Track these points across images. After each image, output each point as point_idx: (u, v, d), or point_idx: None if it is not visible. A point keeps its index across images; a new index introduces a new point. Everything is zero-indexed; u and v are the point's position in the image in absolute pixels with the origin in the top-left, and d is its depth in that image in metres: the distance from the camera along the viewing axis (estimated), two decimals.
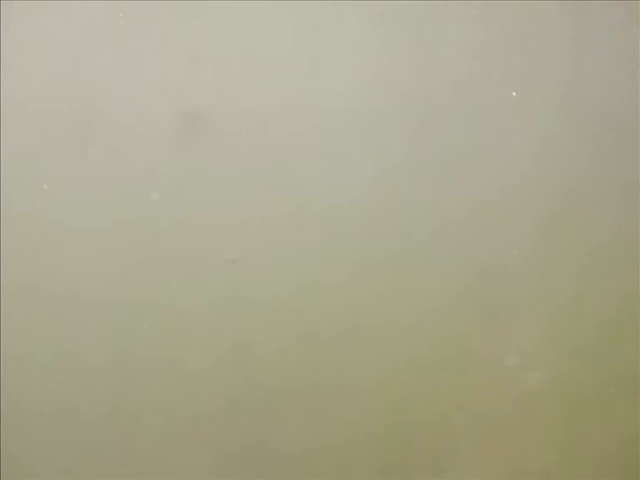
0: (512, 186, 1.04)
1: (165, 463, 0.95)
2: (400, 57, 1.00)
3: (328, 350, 0.99)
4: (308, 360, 0.98)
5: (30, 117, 0.91)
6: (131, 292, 0.93)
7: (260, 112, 0.97)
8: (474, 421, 1.03)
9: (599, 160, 1.06)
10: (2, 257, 0.90)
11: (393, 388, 1.01)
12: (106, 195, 0.93)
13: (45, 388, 0.92)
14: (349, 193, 0.99)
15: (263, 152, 0.98)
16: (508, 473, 1.05)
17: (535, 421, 1.05)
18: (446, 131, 1.01)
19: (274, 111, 0.98)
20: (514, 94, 1.03)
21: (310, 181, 0.98)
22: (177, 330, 0.95)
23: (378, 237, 1.00)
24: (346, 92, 0.99)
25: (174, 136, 0.94)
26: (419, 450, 1.02)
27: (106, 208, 0.93)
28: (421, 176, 1.01)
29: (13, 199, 0.90)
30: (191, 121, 0.95)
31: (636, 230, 1.07)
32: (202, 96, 0.95)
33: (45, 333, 0.92)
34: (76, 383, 0.93)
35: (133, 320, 0.94)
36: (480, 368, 1.03)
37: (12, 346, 0.91)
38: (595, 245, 1.06)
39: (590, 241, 1.06)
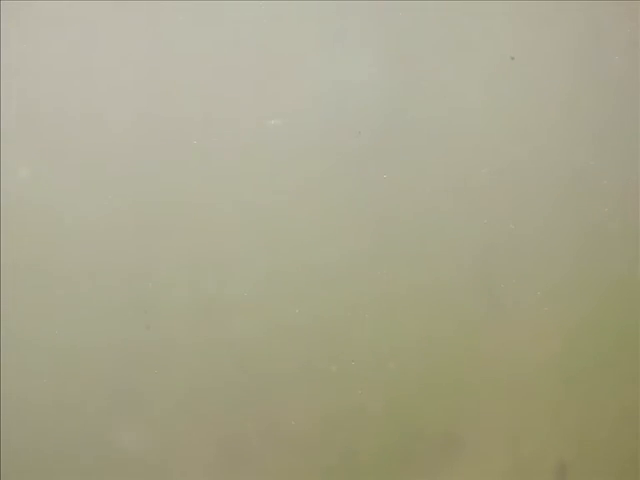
0: (513, 170, 1.04)
1: (170, 456, 0.96)
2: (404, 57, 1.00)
3: (331, 334, 0.99)
4: (313, 342, 0.98)
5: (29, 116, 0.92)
6: (133, 280, 0.94)
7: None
8: (478, 404, 1.03)
9: (599, 148, 1.06)
10: (2, 249, 0.91)
11: (396, 370, 1.01)
12: (108, 193, 0.94)
13: (47, 382, 0.93)
14: (350, 175, 0.99)
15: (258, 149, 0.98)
16: (515, 452, 1.04)
17: (540, 401, 1.04)
18: (449, 118, 1.01)
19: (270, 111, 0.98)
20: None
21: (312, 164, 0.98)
22: (180, 320, 0.95)
23: (375, 220, 1.00)
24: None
25: (170, 136, 0.95)
26: (424, 435, 1.02)
27: (107, 207, 0.94)
28: (421, 159, 1.01)
29: (12, 197, 0.91)
30: (186, 123, 0.96)
31: (636, 212, 1.06)
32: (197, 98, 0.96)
33: (47, 327, 0.93)
34: (80, 373, 0.93)
35: (136, 309, 0.94)
36: (483, 351, 1.03)
37: (13, 343, 0.92)
38: (595, 227, 1.06)
39: (590, 223, 1.06)
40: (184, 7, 0.93)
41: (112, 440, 0.94)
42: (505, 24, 1.02)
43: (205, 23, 0.95)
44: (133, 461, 0.95)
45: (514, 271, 1.03)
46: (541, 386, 1.04)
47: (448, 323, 1.02)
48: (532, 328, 1.04)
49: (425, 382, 1.02)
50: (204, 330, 0.96)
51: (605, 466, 1.05)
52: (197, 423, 0.96)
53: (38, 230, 0.92)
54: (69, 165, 0.92)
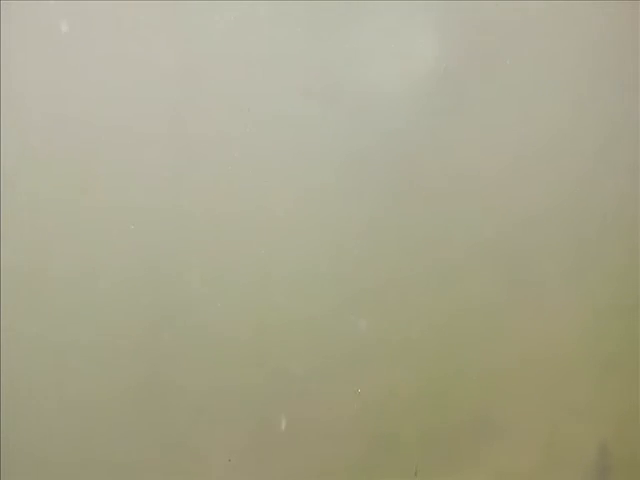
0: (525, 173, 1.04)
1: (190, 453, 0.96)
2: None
3: (359, 320, 1.00)
4: (343, 330, 0.99)
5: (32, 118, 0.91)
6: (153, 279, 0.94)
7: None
8: (513, 387, 1.03)
9: (603, 152, 1.07)
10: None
11: (428, 354, 1.01)
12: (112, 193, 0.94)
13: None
14: (372, 164, 0.99)
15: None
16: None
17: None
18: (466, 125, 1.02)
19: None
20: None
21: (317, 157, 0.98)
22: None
23: (400, 202, 1.00)
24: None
25: (171, 134, 0.95)
26: (458, 419, 1.02)
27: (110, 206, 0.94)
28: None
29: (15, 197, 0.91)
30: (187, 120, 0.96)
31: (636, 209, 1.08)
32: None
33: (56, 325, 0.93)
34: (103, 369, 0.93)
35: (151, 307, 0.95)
36: (516, 334, 1.03)
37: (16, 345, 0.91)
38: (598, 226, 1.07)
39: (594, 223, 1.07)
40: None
41: (131, 438, 0.95)
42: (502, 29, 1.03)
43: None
44: (149, 461, 0.95)
45: (533, 253, 1.04)
46: (577, 367, 1.04)
47: (476, 305, 1.02)
48: (562, 308, 1.04)
49: (458, 366, 1.02)
50: (223, 326, 0.96)
51: None
52: (221, 417, 0.96)
53: (44, 232, 0.92)
54: (76, 166, 0.93)
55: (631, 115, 1.07)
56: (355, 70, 0.98)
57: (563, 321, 1.05)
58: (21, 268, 0.91)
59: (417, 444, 1.01)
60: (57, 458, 0.93)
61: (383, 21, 0.99)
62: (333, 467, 1.00)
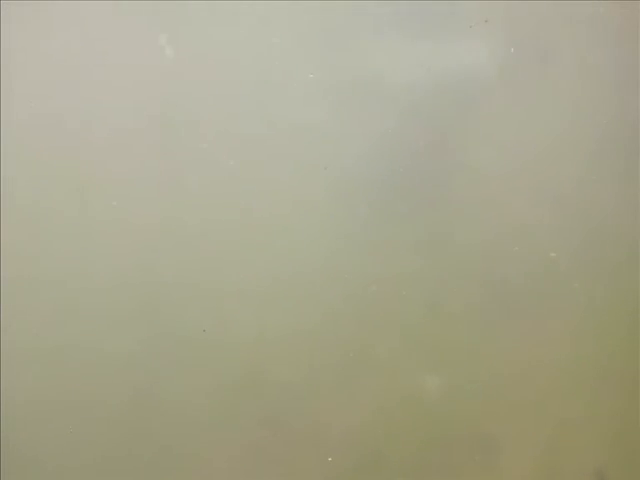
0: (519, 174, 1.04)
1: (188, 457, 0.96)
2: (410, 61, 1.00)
3: (354, 337, 0.99)
4: (335, 345, 0.98)
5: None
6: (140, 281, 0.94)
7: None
8: (512, 407, 1.03)
9: (603, 156, 1.07)
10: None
11: (426, 371, 1.01)
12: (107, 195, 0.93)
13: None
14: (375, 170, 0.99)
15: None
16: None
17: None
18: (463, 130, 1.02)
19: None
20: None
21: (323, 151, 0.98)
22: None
23: (389, 220, 1.00)
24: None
25: (166, 134, 0.95)
26: (456, 438, 1.02)
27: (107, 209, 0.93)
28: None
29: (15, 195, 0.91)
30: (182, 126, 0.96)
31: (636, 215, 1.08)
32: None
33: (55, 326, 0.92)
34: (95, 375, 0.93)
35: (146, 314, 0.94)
36: (514, 353, 1.03)
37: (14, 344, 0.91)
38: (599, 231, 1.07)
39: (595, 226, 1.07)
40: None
41: (129, 440, 0.94)
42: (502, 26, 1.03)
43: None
44: (147, 463, 0.95)
45: (531, 261, 1.04)
46: (577, 388, 1.04)
47: (471, 314, 1.02)
48: (562, 319, 1.03)
49: (456, 384, 1.02)
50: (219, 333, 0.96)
51: None
52: (218, 426, 0.96)
53: (44, 233, 0.92)
54: (72, 168, 0.92)
55: (631, 116, 1.07)
56: (359, 70, 0.98)
57: (562, 333, 1.04)
58: (20, 271, 0.91)
59: (411, 459, 1.01)
60: (57, 459, 0.93)
61: (393, 24, 0.99)
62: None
